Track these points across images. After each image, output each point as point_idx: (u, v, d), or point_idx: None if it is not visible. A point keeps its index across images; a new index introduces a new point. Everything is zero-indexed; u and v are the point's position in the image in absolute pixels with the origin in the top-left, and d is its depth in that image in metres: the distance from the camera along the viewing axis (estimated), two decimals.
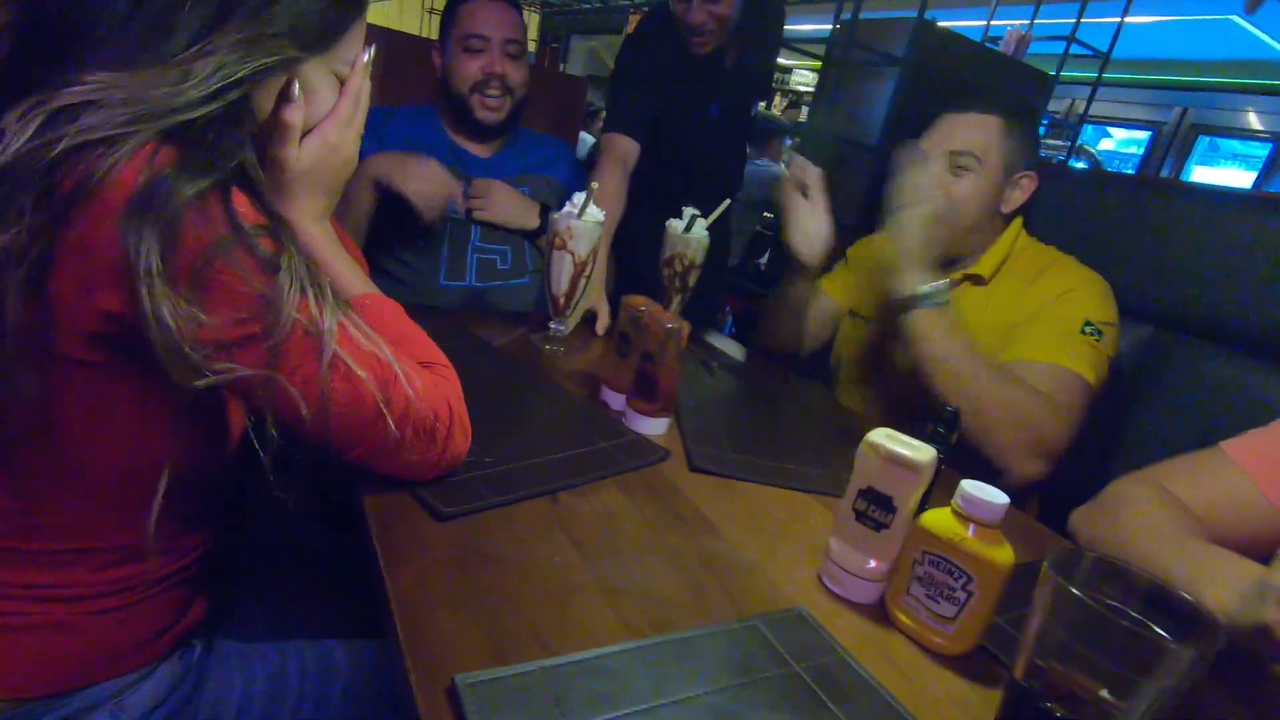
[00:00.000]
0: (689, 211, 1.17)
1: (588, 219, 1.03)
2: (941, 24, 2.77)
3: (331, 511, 0.87)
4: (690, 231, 1.16)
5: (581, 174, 1.49)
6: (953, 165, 1.12)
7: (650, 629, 0.54)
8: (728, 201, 1.20)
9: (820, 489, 0.81)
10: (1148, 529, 0.72)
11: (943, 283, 1.01)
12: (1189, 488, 0.76)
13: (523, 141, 1.47)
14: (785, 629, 0.56)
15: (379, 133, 1.31)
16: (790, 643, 0.55)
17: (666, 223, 1.18)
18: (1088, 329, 1.02)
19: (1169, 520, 0.73)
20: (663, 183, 1.63)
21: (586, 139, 4.99)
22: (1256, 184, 5.08)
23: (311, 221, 0.70)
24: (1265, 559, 0.69)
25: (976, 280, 1.16)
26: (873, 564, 0.61)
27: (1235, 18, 3.81)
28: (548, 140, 1.54)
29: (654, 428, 0.87)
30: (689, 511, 0.72)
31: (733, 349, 1.36)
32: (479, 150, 1.41)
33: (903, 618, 0.60)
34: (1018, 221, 1.18)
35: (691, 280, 1.19)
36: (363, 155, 1.37)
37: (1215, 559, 0.65)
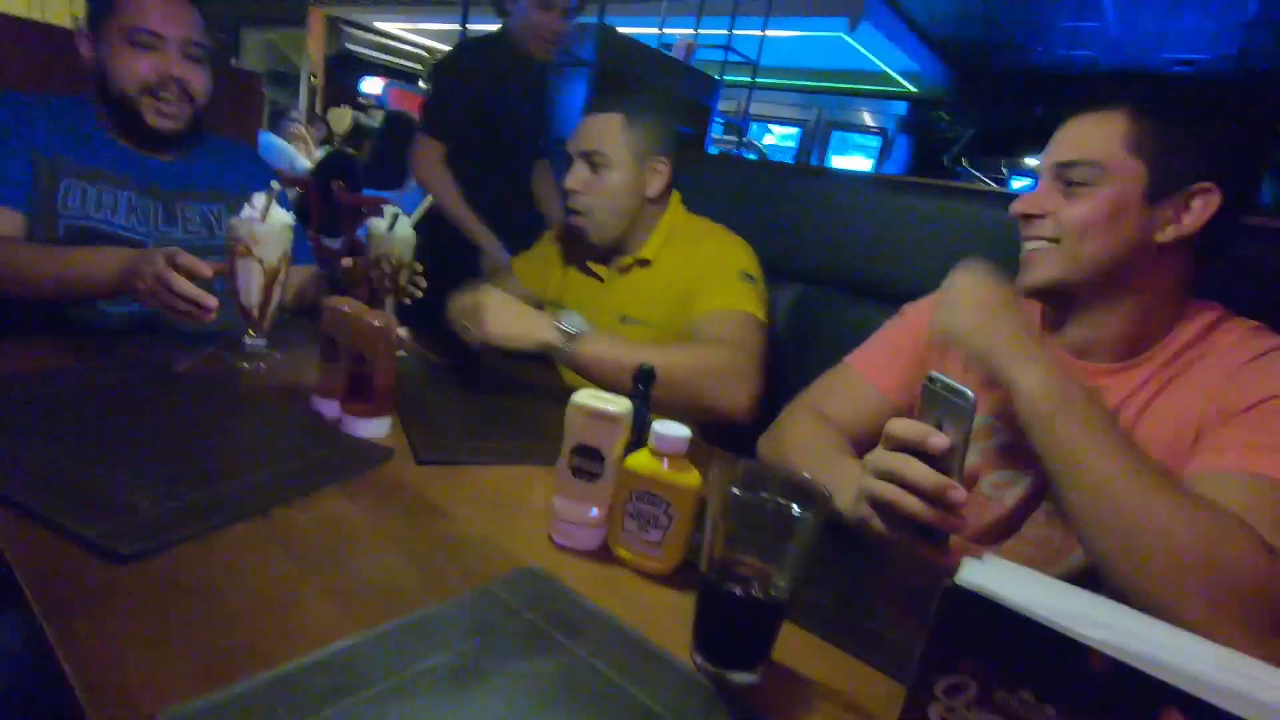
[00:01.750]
0: (390, 210, 1.15)
1: (273, 221, 0.96)
2: (622, 29, 3.02)
3: None
4: (394, 230, 1.14)
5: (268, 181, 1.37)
6: (589, 163, 1.25)
7: (385, 618, 0.54)
8: (429, 199, 1.20)
9: (543, 459, 0.86)
10: (800, 447, 0.90)
11: (576, 319, 1.08)
12: (831, 402, 0.96)
13: (206, 145, 1.29)
14: (518, 586, 0.60)
15: (28, 128, 1.09)
16: (523, 596, 0.59)
17: (369, 222, 1.15)
18: (743, 276, 1.20)
19: (815, 437, 0.91)
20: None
21: (274, 142, 4.51)
22: (876, 167, 6.40)
23: None
24: None
25: (644, 263, 1.29)
26: (593, 512, 0.68)
27: (843, 35, 4.74)
28: (233, 147, 1.38)
29: (375, 429, 0.85)
30: (419, 503, 0.73)
31: (422, 338, 1.34)
32: (157, 155, 1.21)
33: (622, 552, 0.67)
34: (674, 202, 1.32)
35: (402, 279, 1.16)
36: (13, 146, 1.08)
37: (844, 467, 0.82)
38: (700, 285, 1.19)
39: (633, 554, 0.67)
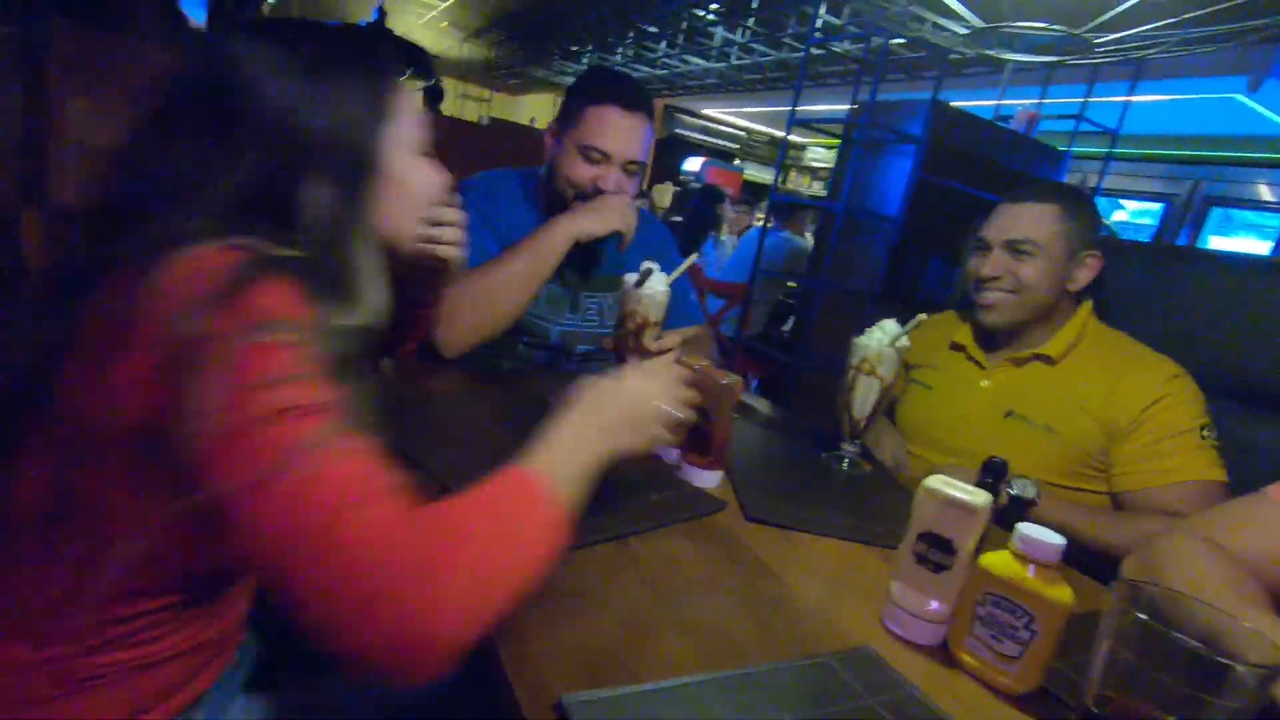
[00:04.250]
0: (645, 265, 1.12)
1: (898, 343, 1.07)
2: (956, 103, 2.92)
3: None
4: (642, 288, 1.11)
5: (678, 256, 1.41)
6: (1014, 251, 1.19)
7: (726, 662, 0.57)
8: (694, 257, 1.23)
9: (872, 540, 0.84)
10: (1196, 585, 0.73)
11: (1028, 482, 1.04)
12: (1237, 537, 0.77)
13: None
14: (856, 666, 0.59)
15: (494, 209, 1.32)
16: (862, 678, 0.57)
17: (624, 277, 1.14)
18: (1205, 433, 1.06)
19: (1218, 578, 0.74)
20: None
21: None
22: (1275, 253, 5.15)
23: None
24: None
25: (1046, 360, 1.20)
26: (934, 605, 0.64)
27: (1239, 96, 3.95)
28: (649, 221, 1.48)
29: (708, 480, 0.91)
30: (748, 557, 0.75)
31: (764, 406, 1.40)
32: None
33: (967, 658, 0.62)
34: (1087, 305, 1.23)
35: (646, 340, 1.12)
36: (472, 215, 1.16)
37: (1262, 623, 0.66)
38: (1150, 444, 1.08)
39: (979, 663, 0.61)
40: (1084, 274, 1.20)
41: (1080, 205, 1.20)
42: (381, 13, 3.45)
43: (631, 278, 1.13)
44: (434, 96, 0.73)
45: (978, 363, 1.28)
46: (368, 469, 0.47)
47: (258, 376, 0.46)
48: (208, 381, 0.45)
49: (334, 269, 0.58)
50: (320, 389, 0.48)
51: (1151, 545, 0.85)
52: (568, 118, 1.28)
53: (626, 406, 0.64)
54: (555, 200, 1.31)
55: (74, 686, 0.54)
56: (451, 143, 1.99)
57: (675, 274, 1.15)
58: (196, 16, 3.21)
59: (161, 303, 0.47)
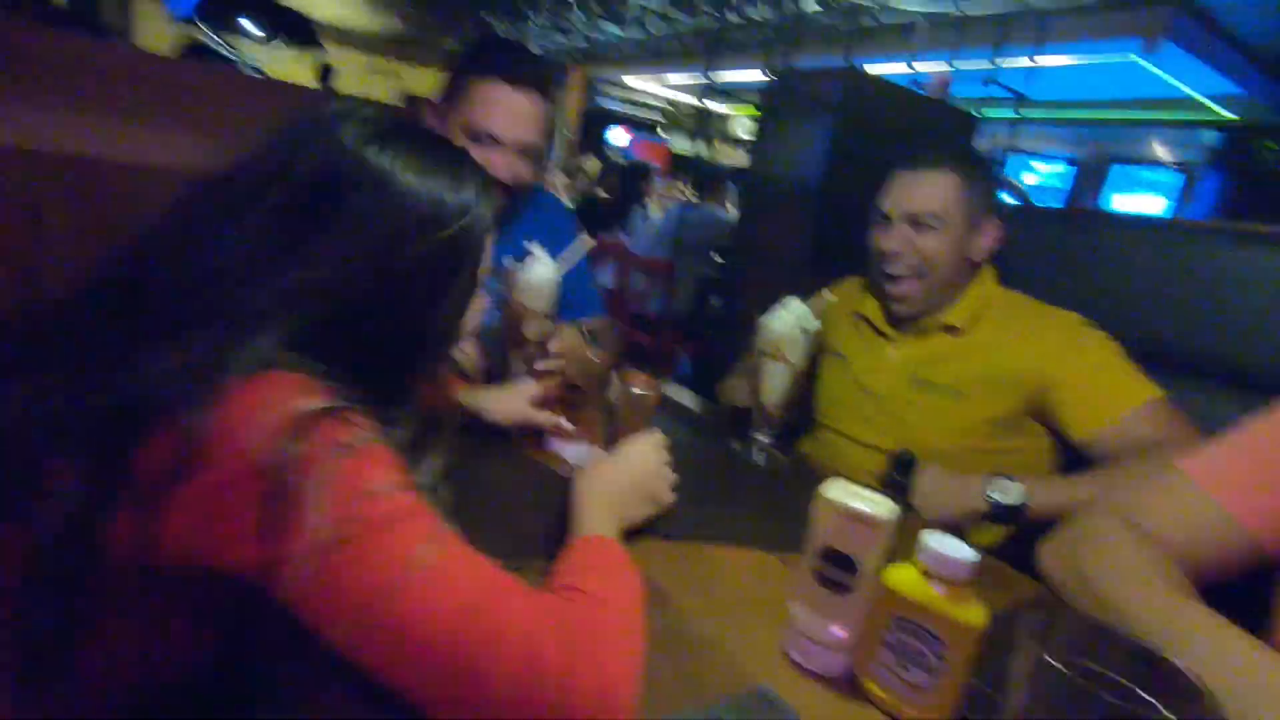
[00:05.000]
0: (527, 246, 1.00)
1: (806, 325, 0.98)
2: (869, 68, 2.88)
3: None
4: (519, 273, 0.98)
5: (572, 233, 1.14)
6: (916, 224, 1.13)
7: None
8: (585, 240, 1.07)
9: (781, 546, 0.77)
10: (1120, 575, 0.69)
11: (1013, 486, 0.97)
12: (1153, 516, 0.74)
13: (524, 216, 1.23)
14: (749, 713, 0.51)
15: None
16: None
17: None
18: (1123, 360, 1.04)
19: (1138, 561, 0.70)
20: None
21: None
22: (1175, 209, 5.39)
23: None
24: (1237, 584, 0.68)
25: (951, 330, 1.16)
26: (837, 630, 0.57)
27: (1135, 58, 4.07)
28: (548, 207, 1.34)
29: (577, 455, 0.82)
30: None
31: (688, 399, 1.32)
32: None
33: (873, 688, 0.55)
34: (988, 271, 1.19)
35: (528, 331, 1.01)
36: None
37: (1189, 621, 0.61)
38: (1082, 389, 1.04)
39: (887, 693, 0.54)
40: (985, 242, 1.16)
41: (979, 170, 1.16)
42: None
43: (509, 261, 1.01)
44: (326, 74, 0.61)
45: (884, 335, 1.23)
46: (481, 562, 0.47)
47: (362, 488, 0.45)
48: (312, 502, 0.42)
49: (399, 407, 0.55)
50: (415, 495, 0.47)
51: (1068, 529, 0.81)
52: (452, 95, 1.12)
53: (627, 482, 0.71)
54: None
55: None
56: None
57: (563, 259, 1.03)
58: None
59: (234, 437, 0.43)
